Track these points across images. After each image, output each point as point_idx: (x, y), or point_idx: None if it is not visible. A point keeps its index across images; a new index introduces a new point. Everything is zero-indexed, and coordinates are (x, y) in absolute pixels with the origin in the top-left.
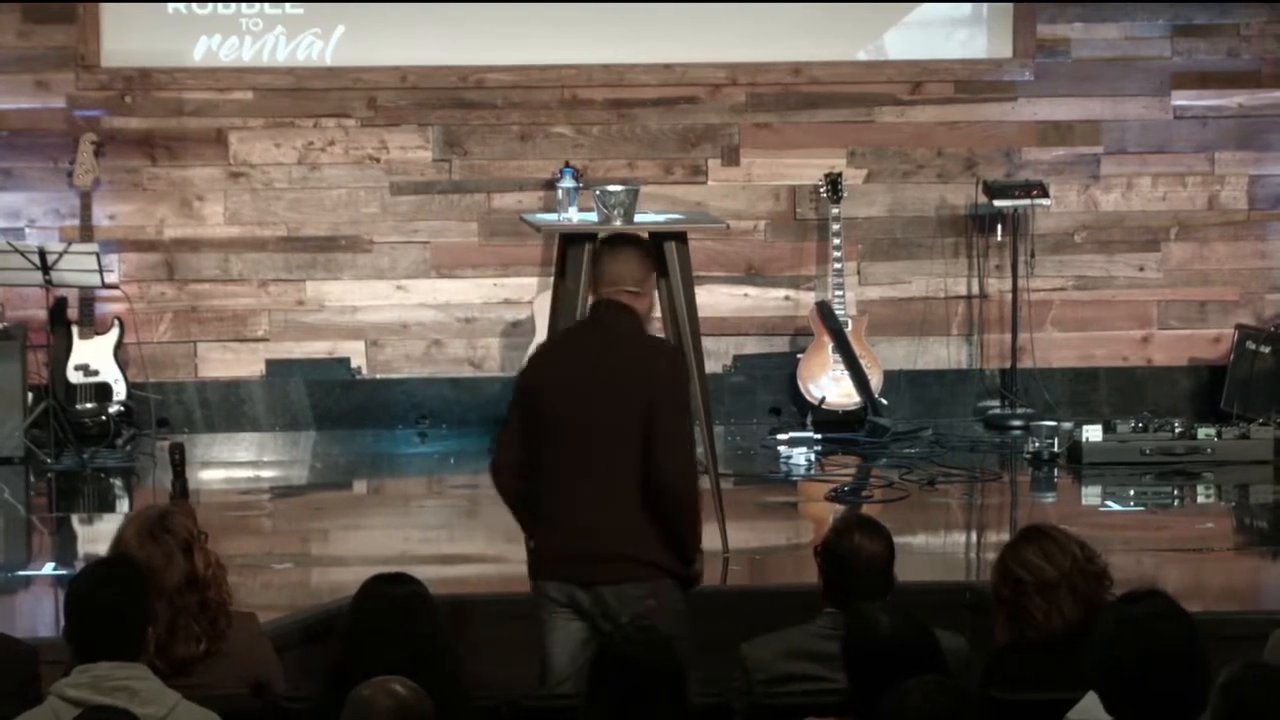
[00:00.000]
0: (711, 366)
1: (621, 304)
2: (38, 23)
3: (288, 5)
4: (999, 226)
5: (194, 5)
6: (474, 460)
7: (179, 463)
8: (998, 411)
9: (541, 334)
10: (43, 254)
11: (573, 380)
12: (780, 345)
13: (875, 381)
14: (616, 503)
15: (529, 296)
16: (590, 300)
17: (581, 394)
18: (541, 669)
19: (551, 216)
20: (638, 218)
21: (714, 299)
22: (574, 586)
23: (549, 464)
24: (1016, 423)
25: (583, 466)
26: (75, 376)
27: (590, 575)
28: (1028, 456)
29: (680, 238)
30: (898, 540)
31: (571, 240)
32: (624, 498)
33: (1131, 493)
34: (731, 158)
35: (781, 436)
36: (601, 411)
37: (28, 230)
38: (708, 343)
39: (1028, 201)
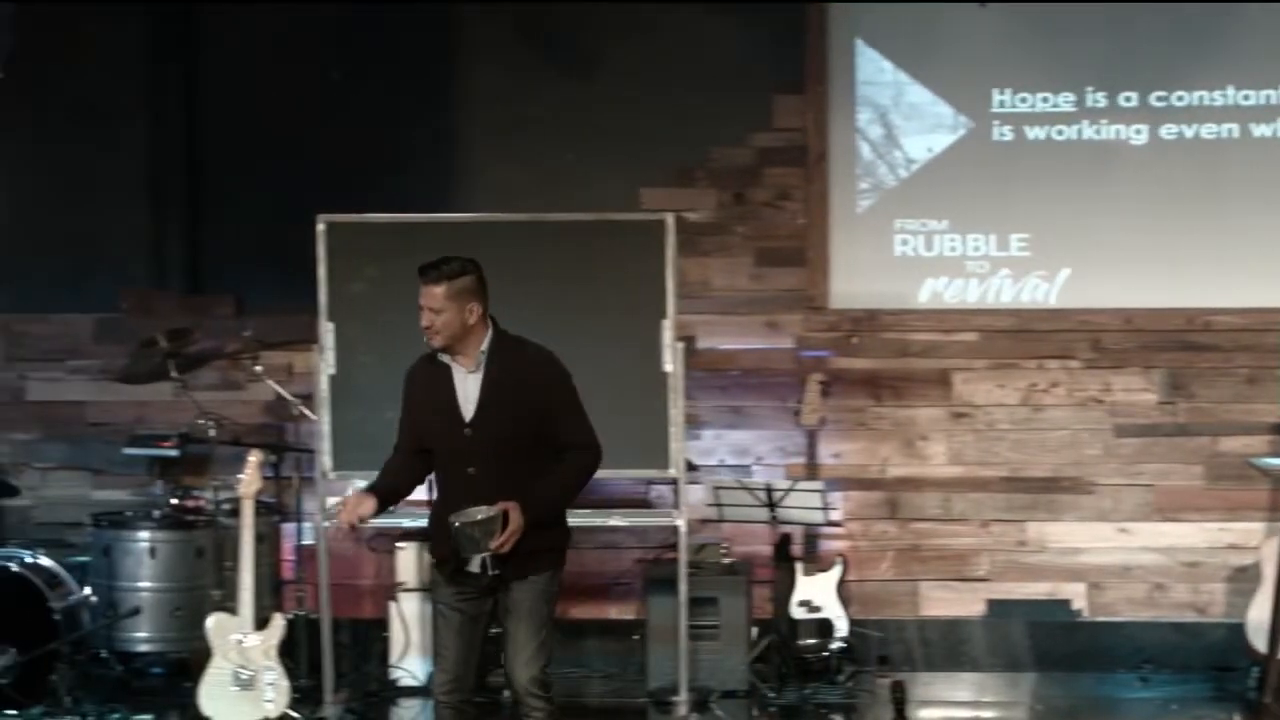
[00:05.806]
0: None
1: None
2: (770, 266)
3: (1014, 248)
4: None
5: (920, 249)
6: (1196, 706)
7: (900, 701)
8: None
9: (1269, 581)
10: (769, 491)
11: None
12: None
13: None
14: None
15: (1255, 542)
16: None
17: None
18: None
19: None
20: None
21: None
22: None
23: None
24: None
25: None
26: (798, 612)
27: None
28: None
29: None
30: None
31: None
32: None
33: None
34: None
35: None
36: None
37: (754, 467)
38: None
39: None
